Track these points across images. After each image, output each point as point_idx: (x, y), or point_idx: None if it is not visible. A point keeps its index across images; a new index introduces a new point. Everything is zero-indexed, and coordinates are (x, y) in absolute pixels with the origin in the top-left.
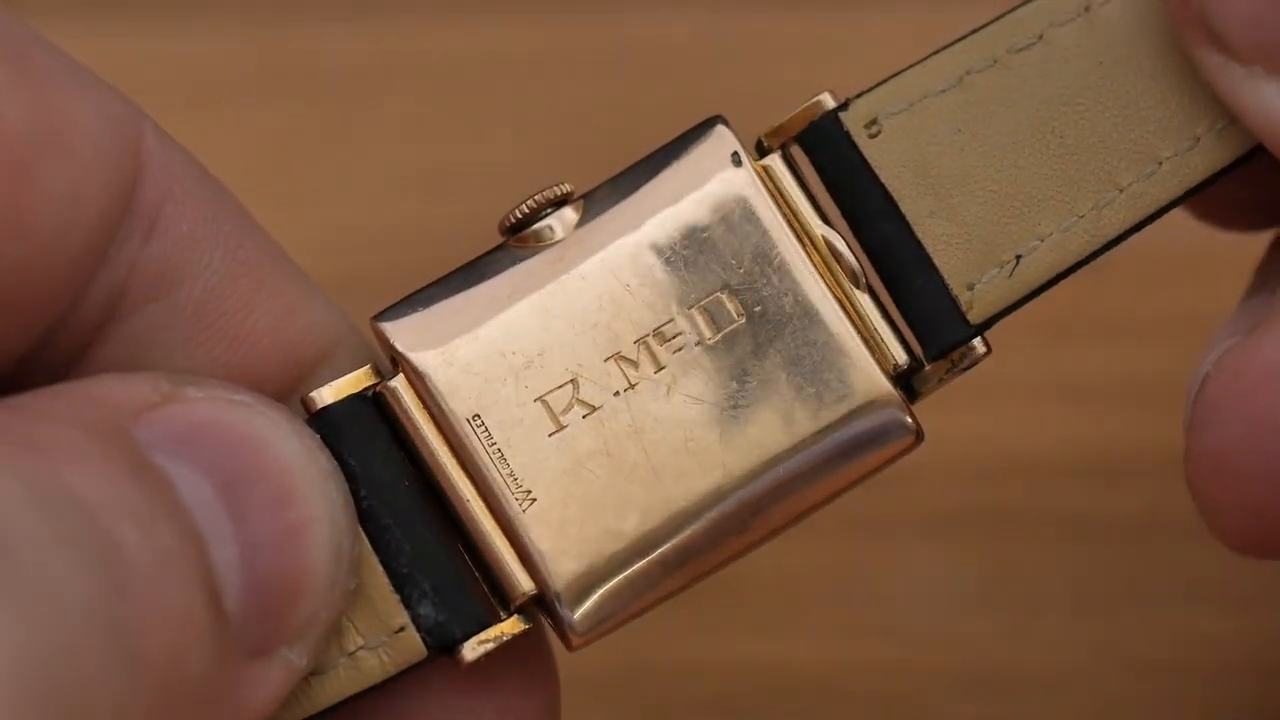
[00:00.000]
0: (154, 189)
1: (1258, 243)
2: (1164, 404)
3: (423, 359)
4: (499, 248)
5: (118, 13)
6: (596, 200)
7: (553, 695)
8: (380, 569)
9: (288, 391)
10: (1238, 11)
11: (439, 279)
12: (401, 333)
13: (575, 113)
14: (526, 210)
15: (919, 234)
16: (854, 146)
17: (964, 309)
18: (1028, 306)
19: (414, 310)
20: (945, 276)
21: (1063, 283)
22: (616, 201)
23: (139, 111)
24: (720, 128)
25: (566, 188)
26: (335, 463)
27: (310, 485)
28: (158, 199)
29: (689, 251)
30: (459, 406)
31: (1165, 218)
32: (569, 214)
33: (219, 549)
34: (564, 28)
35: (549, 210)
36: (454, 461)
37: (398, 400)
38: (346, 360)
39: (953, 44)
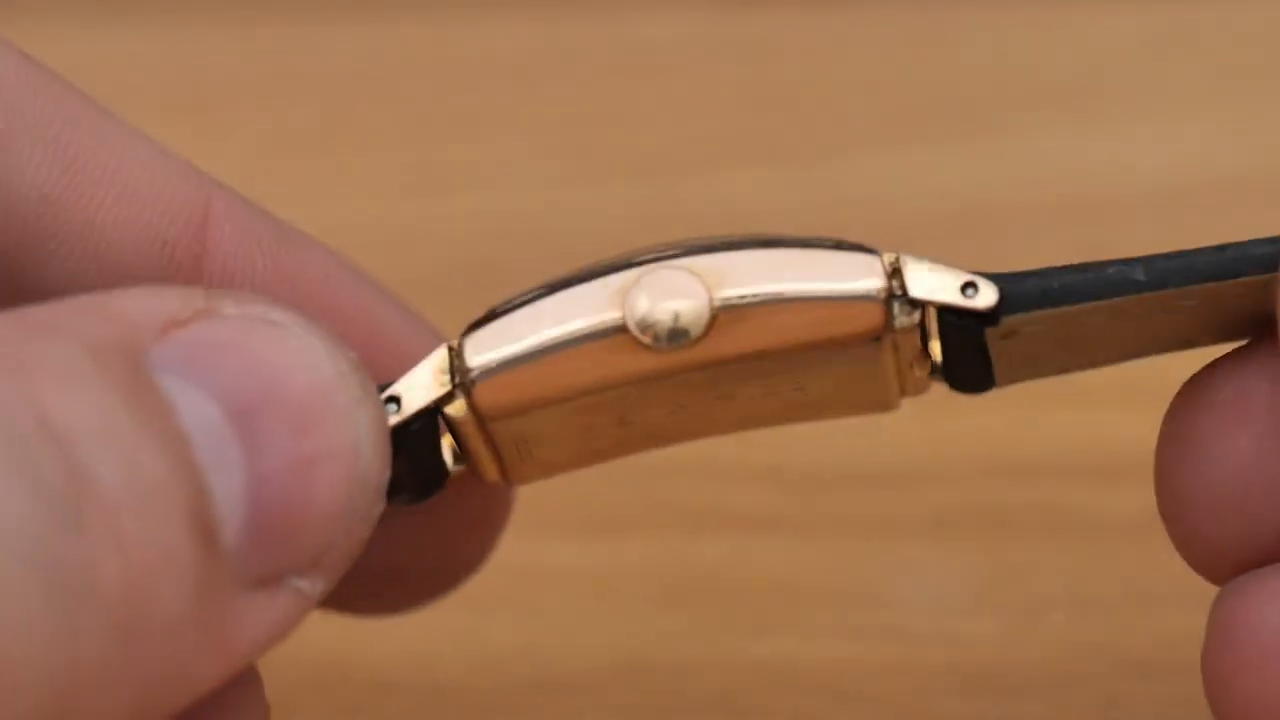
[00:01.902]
0: None
1: None
2: (1164, 404)
3: (497, 417)
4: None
5: (118, 13)
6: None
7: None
8: None
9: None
10: None
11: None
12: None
13: (575, 113)
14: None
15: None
16: (985, 349)
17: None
18: None
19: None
20: None
21: None
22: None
23: None
24: (872, 303)
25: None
26: (372, 386)
27: (336, 413)
28: None
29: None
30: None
31: None
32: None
33: (222, 478)
34: (564, 28)
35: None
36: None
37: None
38: None
39: (1143, 292)
